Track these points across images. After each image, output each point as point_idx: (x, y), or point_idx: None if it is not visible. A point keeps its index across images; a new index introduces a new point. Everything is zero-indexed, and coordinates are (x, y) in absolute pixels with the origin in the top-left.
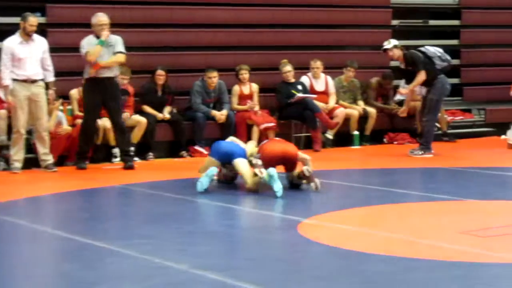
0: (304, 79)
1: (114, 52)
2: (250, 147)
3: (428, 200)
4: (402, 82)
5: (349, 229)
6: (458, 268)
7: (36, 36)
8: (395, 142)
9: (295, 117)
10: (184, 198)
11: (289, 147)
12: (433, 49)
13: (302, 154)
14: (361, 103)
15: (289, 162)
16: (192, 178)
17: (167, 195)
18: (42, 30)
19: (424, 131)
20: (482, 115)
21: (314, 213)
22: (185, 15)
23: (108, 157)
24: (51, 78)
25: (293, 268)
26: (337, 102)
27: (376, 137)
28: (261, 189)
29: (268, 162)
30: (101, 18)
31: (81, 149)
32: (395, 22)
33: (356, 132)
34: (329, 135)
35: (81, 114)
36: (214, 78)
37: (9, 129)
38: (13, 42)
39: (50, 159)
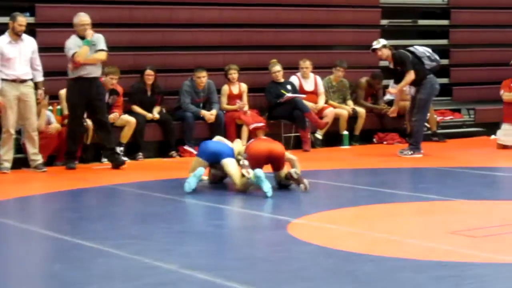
0: (293, 79)
1: (96, 50)
2: (237, 146)
3: (417, 200)
4: (391, 82)
5: (338, 229)
6: (447, 268)
7: (25, 36)
8: (385, 142)
9: (285, 117)
10: (174, 198)
11: (275, 146)
12: (422, 49)
13: (289, 154)
14: (350, 103)
15: (275, 161)
16: (181, 178)
17: (156, 195)
18: (31, 30)
19: (414, 131)
20: (472, 115)
21: (303, 213)
22: (174, 15)
23: (98, 157)
24: (40, 78)
25: (283, 268)
26: (326, 102)
27: (365, 137)
28: (251, 189)
29: (255, 161)
30: (83, 18)
31: (70, 149)
32: (384, 22)
33: (345, 132)
34: (319, 135)
35: None
36: (203, 77)
37: None
38: (2, 42)
39: (39, 159)
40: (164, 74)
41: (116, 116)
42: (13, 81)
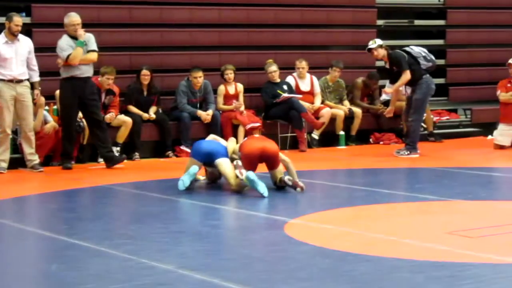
0: (290, 79)
1: (87, 50)
2: (232, 144)
3: (414, 201)
4: (387, 82)
5: (334, 229)
6: (444, 268)
7: (21, 36)
8: (381, 142)
9: (281, 117)
10: (170, 198)
11: (268, 144)
12: (418, 49)
13: (282, 155)
14: (346, 103)
15: (269, 160)
16: (177, 178)
17: (153, 195)
18: (27, 30)
19: (410, 131)
20: (468, 115)
21: (300, 213)
22: (170, 15)
23: (94, 157)
24: (36, 78)
25: (279, 268)
26: (322, 102)
27: (362, 137)
28: (246, 189)
29: (248, 160)
30: (73, 18)
31: (65, 150)
32: (380, 22)
33: (342, 132)
34: (315, 135)
35: None
36: (199, 78)
37: None
38: None
39: (36, 159)
40: (160, 74)
41: (112, 116)
42: (10, 81)
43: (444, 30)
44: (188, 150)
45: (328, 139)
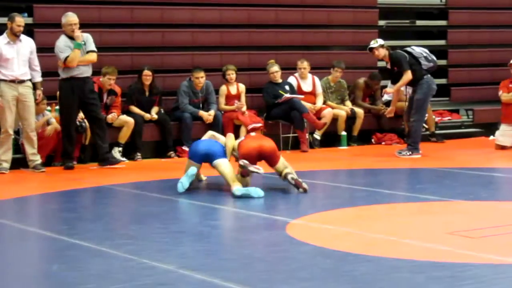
0: (291, 80)
1: (86, 51)
2: (231, 141)
3: (415, 201)
4: (389, 83)
5: (336, 229)
6: (444, 269)
7: (23, 37)
8: (383, 143)
9: (282, 117)
10: (171, 198)
11: (264, 142)
12: (419, 49)
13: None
14: (348, 103)
15: (267, 158)
16: (178, 178)
17: (154, 195)
18: (28, 30)
19: (412, 131)
20: (470, 115)
21: (301, 213)
22: (172, 15)
23: (96, 157)
24: (38, 78)
25: (280, 268)
26: (324, 103)
27: (363, 138)
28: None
29: (247, 158)
30: (70, 18)
31: (66, 150)
32: (382, 23)
33: (343, 133)
34: (317, 135)
35: None
36: (201, 78)
37: None
38: (0, 42)
39: (38, 159)
40: (161, 75)
41: (114, 117)
42: (12, 81)
43: (445, 30)
44: None
45: (330, 139)
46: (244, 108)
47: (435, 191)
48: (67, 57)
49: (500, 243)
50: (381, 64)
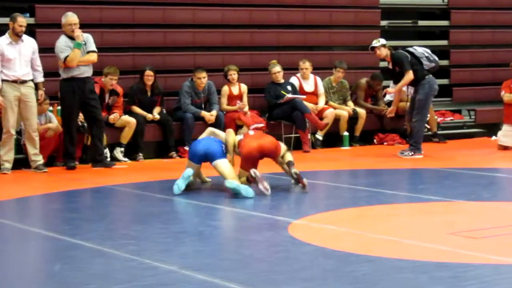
0: (293, 80)
1: (87, 51)
2: (232, 137)
3: (417, 201)
4: (391, 83)
5: (337, 229)
6: (446, 269)
7: (25, 37)
8: (385, 143)
9: (284, 118)
10: (173, 198)
11: (264, 141)
12: (421, 49)
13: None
14: (350, 103)
15: (269, 155)
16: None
17: (155, 195)
18: (30, 30)
19: (414, 131)
20: (472, 116)
21: (303, 214)
22: (173, 15)
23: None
24: (40, 78)
25: (282, 268)
26: (326, 103)
27: (365, 138)
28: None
29: (248, 160)
30: (70, 17)
31: (67, 150)
32: (384, 23)
33: (345, 133)
34: (319, 136)
35: None
36: (203, 78)
37: None
38: (2, 42)
39: (40, 159)
40: (163, 75)
41: (116, 117)
42: (14, 82)
43: (447, 30)
44: None
45: (332, 139)
46: (246, 109)
47: (437, 192)
48: (67, 56)
49: (502, 244)
50: (383, 64)
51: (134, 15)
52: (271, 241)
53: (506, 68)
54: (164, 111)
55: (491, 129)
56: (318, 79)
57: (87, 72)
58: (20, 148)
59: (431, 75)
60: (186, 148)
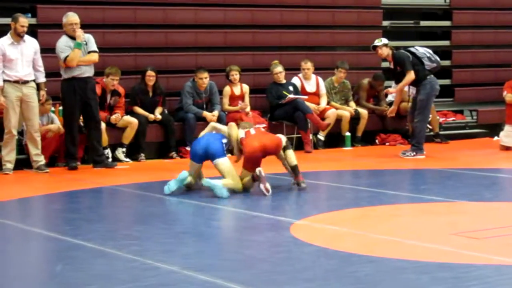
0: (295, 80)
1: (88, 51)
2: (234, 132)
3: (419, 202)
4: (393, 83)
5: (339, 230)
6: (448, 270)
7: (27, 37)
8: (387, 143)
9: (286, 118)
10: (174, 199)
11: (266, 141)
12: (422, 49)
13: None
14: (352, 104)
15: (272, 153)
16: None
17: (157, 196)
18: (32, 30)
19: (416, 132)
20: (474, 116)
21: (305, 214)
22: (175, 16)
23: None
24: (42, 79)
25: (284, 269)
26: (328, 103)
27: (367, 138)
28: (252, 190)
29: (252, 160)
30: (71, 17)
31: (68, 150)
32: (386, 23)
33: (347, 133)
34: (321, 136)
35: None
36: (205, 79)
37: (1, 130)
38: (4, 43)
39: (42, 160)
40: (165, 75)
41: (118, 117)
42: (16, 82)
43: (449, 31)
44: None
45: (334, 140)
46: (248, 109)
47: (439, 192)
48: (67, 56)
49: (504, 244)
50: (385, 64)
51: (136, 15)
52: (273, 242)
53: (508, 69)
54: (166, 112)
55: (493, 129)
56: (320, 80)
57: (88, 72)
58: (21, 148)
59: (432, 75)
60: (188, 148)
